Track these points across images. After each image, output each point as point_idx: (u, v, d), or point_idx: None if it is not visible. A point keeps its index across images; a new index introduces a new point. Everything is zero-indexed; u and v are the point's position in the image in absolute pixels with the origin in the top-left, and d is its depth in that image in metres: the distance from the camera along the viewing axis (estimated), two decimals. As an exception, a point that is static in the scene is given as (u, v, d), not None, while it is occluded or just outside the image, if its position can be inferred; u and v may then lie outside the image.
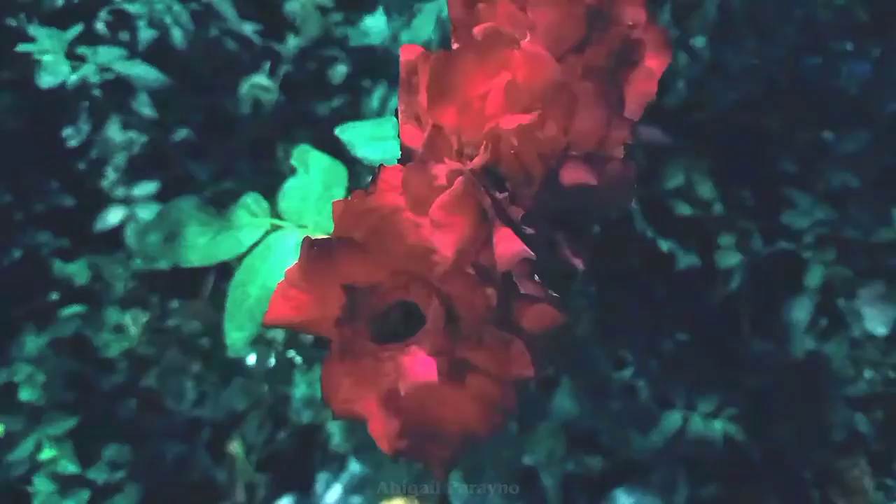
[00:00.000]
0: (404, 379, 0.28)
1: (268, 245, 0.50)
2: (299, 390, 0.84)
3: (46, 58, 0.65)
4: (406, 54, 0.30)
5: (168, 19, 0.79)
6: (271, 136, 1.03)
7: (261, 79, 0.98)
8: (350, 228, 0.29)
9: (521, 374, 0.27)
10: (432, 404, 0.28)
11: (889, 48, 1.08)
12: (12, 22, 0.79)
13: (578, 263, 0.29)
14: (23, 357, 0.91)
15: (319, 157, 0.54)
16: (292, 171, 0.54)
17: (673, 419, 0.82)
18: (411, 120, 0.30)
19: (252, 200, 0.51)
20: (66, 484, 0.84)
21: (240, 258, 0.50)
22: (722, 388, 0.86)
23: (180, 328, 0.97)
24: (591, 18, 0.32)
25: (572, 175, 0.28)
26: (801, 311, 1.04)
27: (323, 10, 1.06)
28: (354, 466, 0.98)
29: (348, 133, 0.48)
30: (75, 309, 0.99)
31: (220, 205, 0.53)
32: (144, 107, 0.82)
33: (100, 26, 0.77)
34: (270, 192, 0.53)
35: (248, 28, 0.96)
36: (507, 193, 0.28)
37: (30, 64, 0.67)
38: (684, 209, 0.99)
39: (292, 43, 1.03)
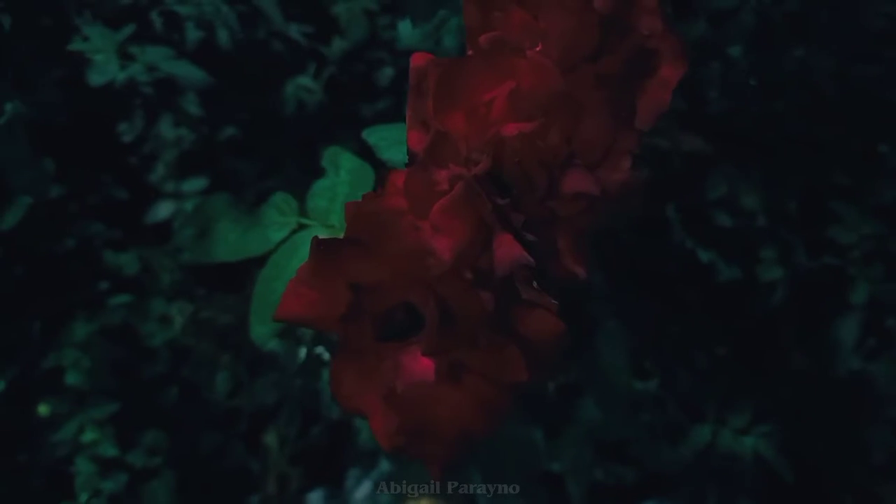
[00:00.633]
0: (402, 377, 0.28)
1: (294, 243, 0.51)
2: (328, 386, 0.85)
3: (98, 56, 0.68)
4: (416, 60, 0.30)
5: (216, 21, 0.82)
6: (316, 136, 1.05)
7: (305, 80, 1.00)
8: (358, 229, 0.30)
9: (514, 378, 0.28)
10: (429, 403, 0.29)
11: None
12: (78, 20, 0.82)
13: (580, 272, 0.30)
14: (71, 343, 0.94)
15: (349, 159, 0.55)
16: (324, 171, 0.56)
17: (702, 433, 0.81)
18: (419, 125, 0.30)
19: (282, 199, 0.53)
20: (105, 466, 0.87)
21: (268, 255, 0.52)
22: (756, 404, 0.84)
23: (215, 320, 0.99)
24: (605, 27, 0.32)
25: (574, 184, 0.28)
26: (848, 330, 1.00)
27: (370, 14, 1.08)
28: (385, 464, 1.00)
29: (375, 136, 0.49)
30: (123, 298, 1.02)
31: (262, 202, 0.55)
32: (192, 105, 0.85)
33: (151, 26, 0.80)
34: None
35: (295, 30, 0.98)
36: (509, 199, 0.28)
37: (81, 61, 0.70)
38: (725, 220, 0.97)
39: (337, 45, 1.05)
